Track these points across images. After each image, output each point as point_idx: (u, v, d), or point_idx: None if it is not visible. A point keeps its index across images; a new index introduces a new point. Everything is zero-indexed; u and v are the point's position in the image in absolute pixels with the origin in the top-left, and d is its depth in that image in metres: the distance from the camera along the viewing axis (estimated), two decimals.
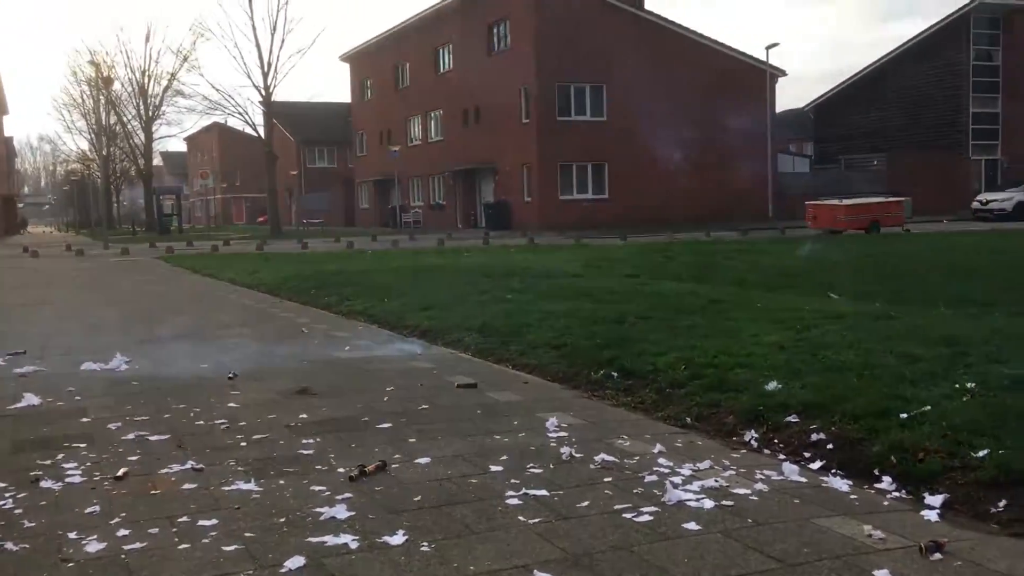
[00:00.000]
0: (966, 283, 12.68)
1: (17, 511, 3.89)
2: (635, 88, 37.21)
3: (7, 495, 4.12)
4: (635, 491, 4.08)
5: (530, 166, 38.55)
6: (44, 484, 4.27)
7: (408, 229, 43.33)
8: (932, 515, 3.68)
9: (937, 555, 3.24)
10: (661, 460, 4.55)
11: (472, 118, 42.83)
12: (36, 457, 4.76)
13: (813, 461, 4.48)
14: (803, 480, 4.19)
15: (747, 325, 7.98)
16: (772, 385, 5.50)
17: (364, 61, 55.48)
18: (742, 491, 4.03)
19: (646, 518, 3.72)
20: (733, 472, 4.34)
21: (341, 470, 4.45)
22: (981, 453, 4.00)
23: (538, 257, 20.50)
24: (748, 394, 5.44)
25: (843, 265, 15.69)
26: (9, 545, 3.48)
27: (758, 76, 40.16)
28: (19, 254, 31.89)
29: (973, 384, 5.12)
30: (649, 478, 4.26)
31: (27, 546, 3.47)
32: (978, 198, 36.13)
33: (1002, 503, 3.68)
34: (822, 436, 4.67)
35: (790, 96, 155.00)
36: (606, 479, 4.27)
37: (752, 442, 4.86)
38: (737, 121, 37.89)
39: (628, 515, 3.76)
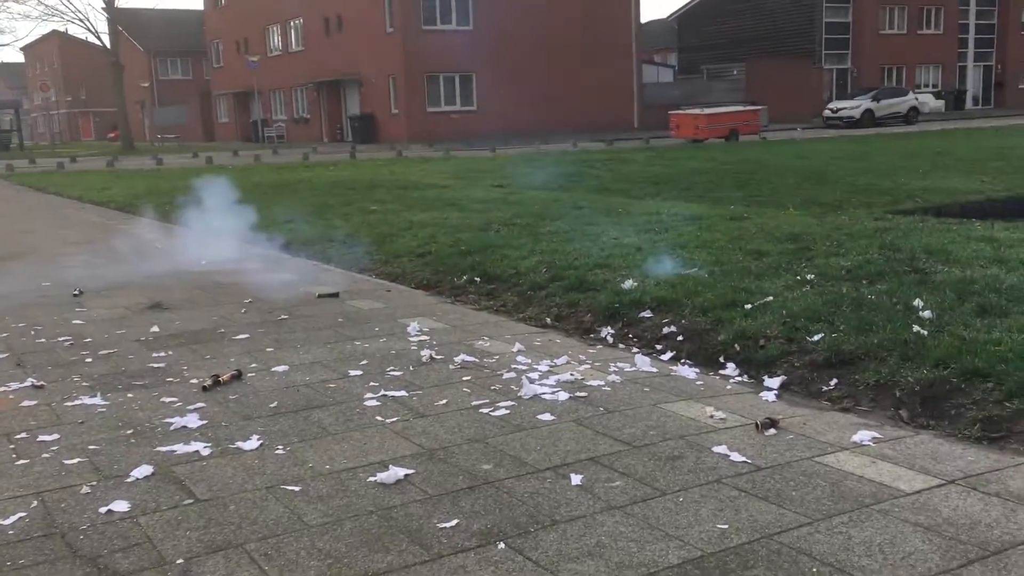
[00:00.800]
0: (816, 187, 13.28)
1: None
2: None
3: None
4: (493, 388, 4.13)
5: (396, 77, 37.65)
6: None
7: (271, 144, 41.87)
8: (770, 396, 3.89)
9: (772, 431, 3.43)
10: (520, 358, 4.62)
11: (334, 27, 41.30)
12: None
13: (664, 352, 4.64)
14: (654, 370, 4.34)
15: (608, 229, 8.13)
16: (628, 284, 5.63)
17: None
18: (596, 383, 4.15)
19: (502, 412, 3.78)
20: (588, 366, 4.45)
21: (194, 381, 4.33)
22: (816, 337, 4.23)
23: (405, 169, 20.21)
24: (605, 293, 5.56)
25: (702, 172, 16.13)
26: None
27: None
28: None
29: (813, 276, 5.39)
30: (507, 375, 4.33)
31: None
32: (829, 106, 37.61)
33: (833, 382, 3.92)
34: (673, 329, 4.84)
35: (655, 5, 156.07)
36: (465, 378, 4.31)
37: (608, 338, 4.99)
38: (603, 32, 37.96)
39: (485, 410, 3.81)
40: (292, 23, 45.80)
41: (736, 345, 4.41)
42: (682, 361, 4.49)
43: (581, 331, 5.22)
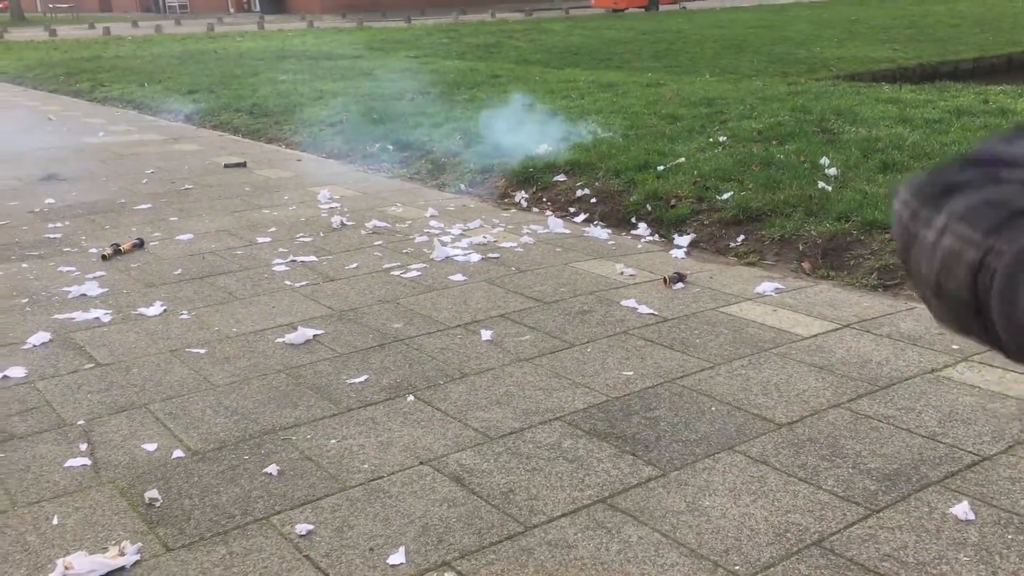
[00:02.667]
0: (735, 56, 13.25)
1: None
2: None
3: None
4: (405, 251, 4.09)
5: None
6: None
7: (173, 14, 39.68)
8: (680, 254, 3.94)
9: (680, 285, 3.48)
10: (432, 223, 4.57)
11: None
12: None
13: (577, 215, 4.64)
14: (567, 232, 4.35)
15: (523, 97, 7.98)
16: (542, 148, 5.57)
17: None
18: (509, 245, 4.14)
19: (414, 274, 3.75)
20: (502, 229, 4.43)
21: (93, 251, 4.18)
22: (725, 196, 4.27)
23: (317, 40, 19.44)
24: (519, 158, 5.50)
25: (622, 42, 15.91)
26: None
27: None
28: None
29: (725, 138, 5.41)
30: (419, 239, 4.28)
31: None
32: None
33: (740, 238, 3.98)
34: (586, 192, 4.83)
35: None
36: (376, 243, 4.25)
37: (522, 202, 4.96)
38: None
39: (396, 273, 3.78)
40: None
41: (648, 205, 4.43)
42: (595, 223, 4.49)
43: (495, 197, 5.17)
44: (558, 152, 5.47)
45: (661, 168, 4.84)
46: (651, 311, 3.22)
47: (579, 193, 4.84)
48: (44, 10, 48.25)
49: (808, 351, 2.83)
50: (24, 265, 3.98)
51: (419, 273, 3.77)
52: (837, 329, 3.00)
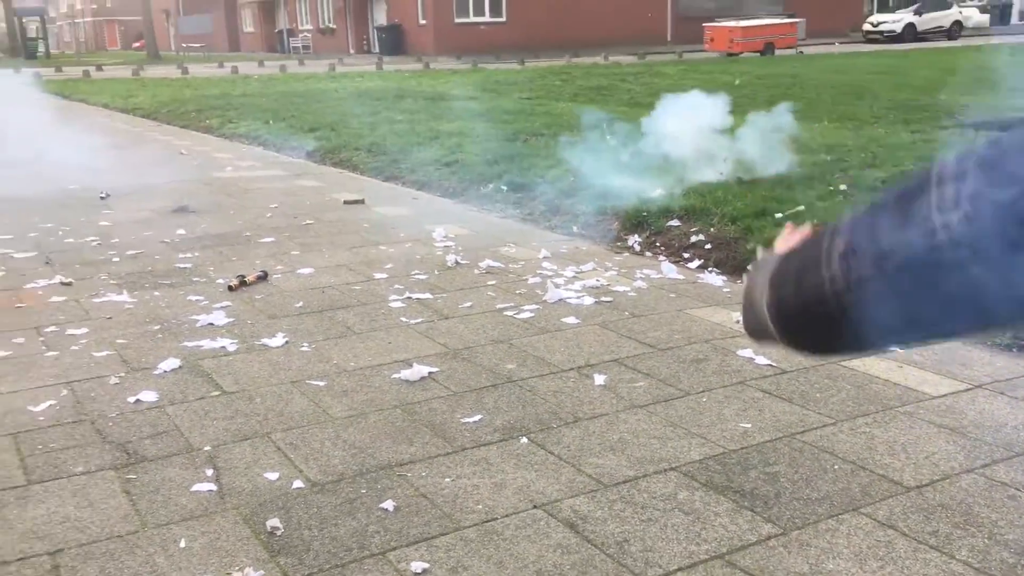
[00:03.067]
0: (855, 102, 12.95)
1: None
2: None
3: None
4: (518, 292, 4.12)
5: None
6: None
7: (296, 54, 41.41)
8: None
9: None
10: (545, 264, 4.60)
11: None
12: None
13: (691, 261, 4.59)
14: (680, 277, 4.31)
15: (632, 140, 7.99)
16: (657, 192, 5.55)
17: None
18: (622, 289, 4.12)
19: (527, 315, 3.78)
20: (615, 273, 4.42)
21: (220, 281, 4.35)
22: None
23: (432, 81, 19.96)
24: (633, 201, 5.49)
25: (736, 86, 15.78)
26: None
27: None
28: None
29: (846, 187, 5.28)
30: (532, 280, 4.31)
31: None
32: (869, 20, 36.44)
33: None
34: (701, 237, 4.78)
35: None
36: (490, 282, 4.30)
37: (635, 246, 4.94)
38: None
39: (509, 313, 3.81)
40: None
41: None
42: (709, 269, 4.44)
43: (608, 240, 5.16)
44: (672, 196, 5.44)
45: (779, 216, 4.76)
46: (769, 362, 3.15)
47: (693, 239, 4.80)
48: (178, 49, 51.08)
49: (937, 411, 2.71)
50: (156, 293, 4.17)
51: (532, 314, 3.78)
52: (968, 389, 2.87)
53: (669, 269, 4.40)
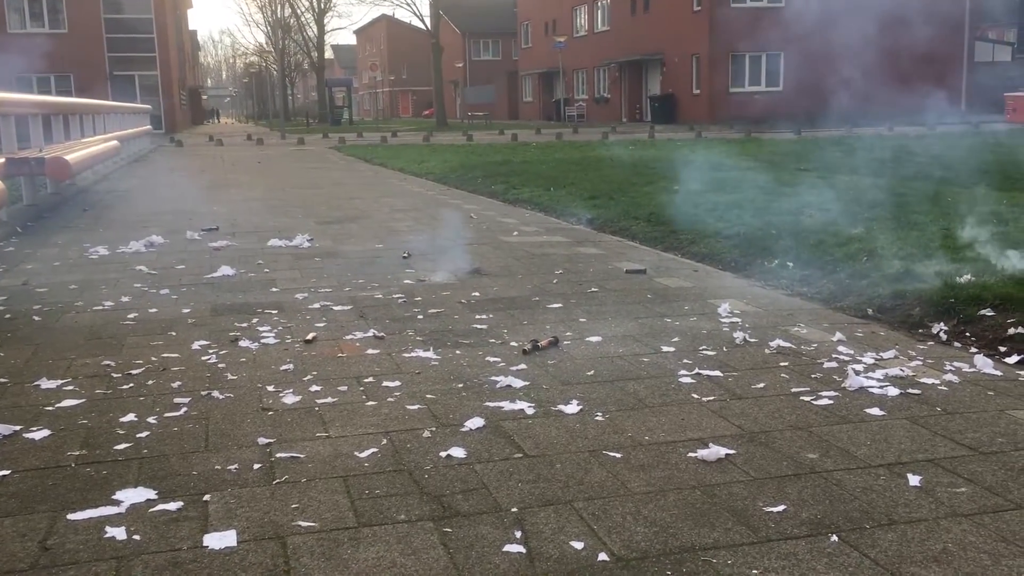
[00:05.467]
0: None
1: (221, 365, 4.21)
2: None
3: (211, 351, 4.45)
4: (813, 376, 3.97)
5: (699, 56, 37.11)
6: (243, 344, 4.59)
7: (572, 122, 42.90)
8: None
9: None
10: (841, 348, 4.40)
11: (640, 6, 41.44)
12: (234, 320, 5.11)
13: (1009, 355, 4.21)
14: (997, 373, 3.96)
15: (938, 218, 7.51)
16: (965, 277, 5.17)
17: None
18: (930, 381, 3.85)
19: (825, 402, 3.62)
20: (919, 363, 4.14)
21: (514, 344, 4.55)
22: None
23: (706, 151, 19.92)
24: (937, 286, 5.14)
25: None
26: (216, 394, 3.78)
27: None
28: (206, 143, 33.80)
29: None
30: (828, 364, 4.13)
31: (231, 395, 3.76)
32: None
33: None
34: (1020, 331, 4.37)
35: None
36: (782, 363, 4.17)
37: (940, 334, 4.61)
38: (930, 5, 34.87)
39: (806, 398, 3.67)
40: (599, 3, 46.54)
41: None
42: None
43: (908, 325, 4.86)
44: (984, 282, 5.04)
45: None
46: None
47: (1011, 331, 4.40)
48: (463, 116, 54.64)
49: None
50: (458, 352, 4.43)
51: (831, 401, 3.62)
52: None
53: (984, 363, 4.06)
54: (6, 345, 4.61)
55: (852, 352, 4.32)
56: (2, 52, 38.13)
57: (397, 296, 5.75)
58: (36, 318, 5.24)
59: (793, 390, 3.78)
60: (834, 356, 4.26)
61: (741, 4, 36.26)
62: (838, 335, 4.61)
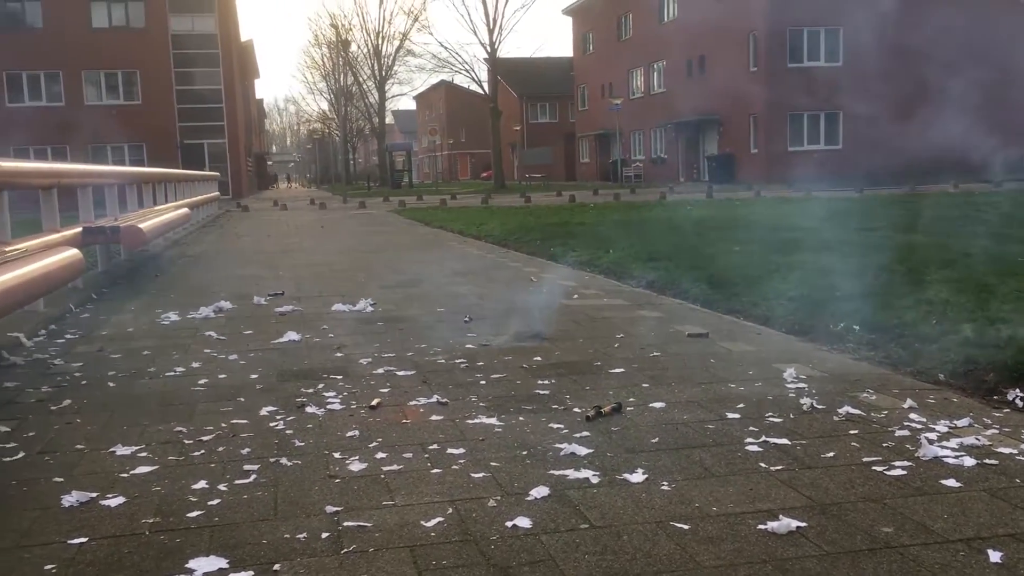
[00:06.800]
0: None
1: (288, 432, 4.27)
2: (876, 29, 34.72)
3: (278, 418, 4.53)
4: (884, 445, 3.88)
5: (757, 116, 37.13)
6: (309, 410, 4.66)
7: (629, 183, 43.09)
8: None
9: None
10: (912, 416, 4.30)
11: (696, 68, 41.74)
12: (300, 386, 5.19)
13: None
14: None
15: (1008, 280, 7.35)
16: None
17: (587, 14, 55.30)
18: (1007, 450, 3.74)
19: (898, 472, 3.54)
20: (996, 431, 4.03)
21: (577, 410, 4.54)
22: None
23: (765, 210, 19.82)
24: (1012, 351, 5.01)
25: None
26: (284, 460, 3.83)
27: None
28: (270, 207, 34.71)
29: None
30: (900, 432, 4.04)
31: (299, 462, 3.81)
32: None
33: None
34: None
35: None
36: (851, 431, 4.09)
37: (1017, 401, 4.48)
38: (1000, 60, 34.51)
39: (878, 468, 3.59)
40: (655, 65, 47.01)
41: None
42: None
43: (982, 392, 4.73)
44: None
45: None
46: None
47: None
48: (520, 178, 55.28)
49: None
50: (521, 418, 4.44)
51: (904, 472, 3.54)
52: None
53: None
54: (83, 412, 4.75)
55: (924, 420, 4.22)
56: (80, 123, 39.89)
57: (459, 361, 5.79)
58: (111, 384, 5.39)
59: (864, 459, 3.70)
60: (906, 424, 4.17)
61: (799, 64, 36.31)
62: (909, 402, 4.51)
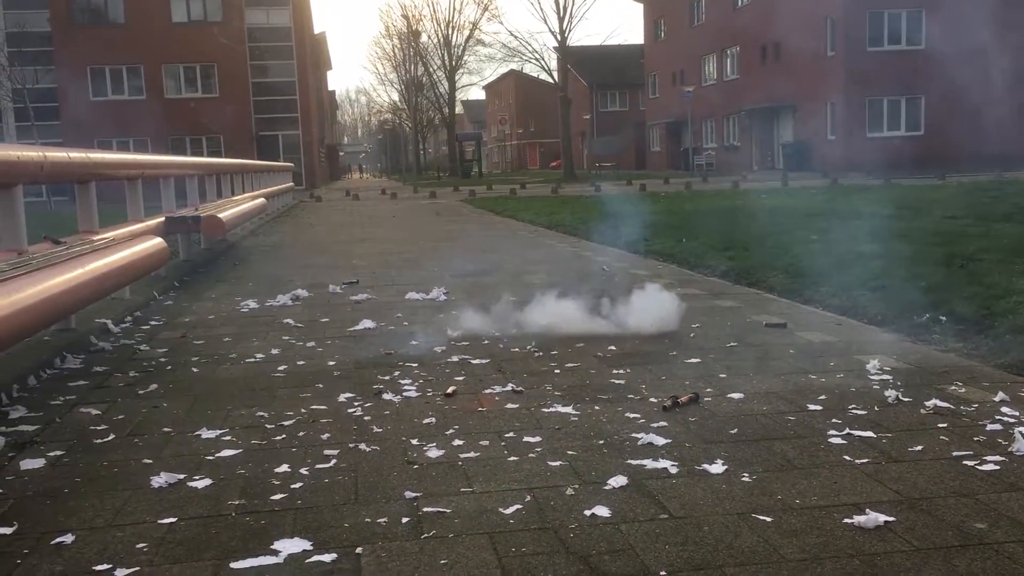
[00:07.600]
0: None
1: (366, 418, 4.33)
2: (961, 10, 33.54)
3: (356, 404, 4.59)
4: (976, 439, 3.76)
5: (834, 102, 36.24)
6: (386, 397, 4.71)
7: (701, 171, 42.53)
8: None
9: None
10: (1004, 409, 4.15)
11: (771, 54, 40.93)
12: (376, 373, 5.25)
13: None
14: None
15: None
16: None
17: (658, 0, 54.63)
18: None
19: (991, 467, 3.42)
20: None
21: (653, 400, 4.50)
22: None
23: (844, 198, 19.36)
24: None
25: None
26: (363, 446, 3.88)
27: None
28: (343, 197, 35.22)
29: None
30: (991, 427, 3.90)
31: (377, 448, 3.86)
32: None
33: None
34: None
35: None
36: (940, 425, 3.97)
37: None
38: None
39: (969, 463, 3.47)
40: (728, 51, 46.25)
41: None
42: None
43: None
44: None
45: None
46: None
47: None
48: (590, 167, 55.05)
49: None
50: (596, 407, 4.42)
51: (997, 467, 3.42)
52: None
53: None
54: (169, 396, 4.88)
55: (1018, 414, 4.07)
56: (160, 116, 41.00)
57: (533, 349, 5.78)
58: (195, 370, 5.54)
59: (954, 453, 3.59)
60: (997, 418, 4.03)
61: (878, 48, 35.31)
62: (1000, 395, 4.36)
